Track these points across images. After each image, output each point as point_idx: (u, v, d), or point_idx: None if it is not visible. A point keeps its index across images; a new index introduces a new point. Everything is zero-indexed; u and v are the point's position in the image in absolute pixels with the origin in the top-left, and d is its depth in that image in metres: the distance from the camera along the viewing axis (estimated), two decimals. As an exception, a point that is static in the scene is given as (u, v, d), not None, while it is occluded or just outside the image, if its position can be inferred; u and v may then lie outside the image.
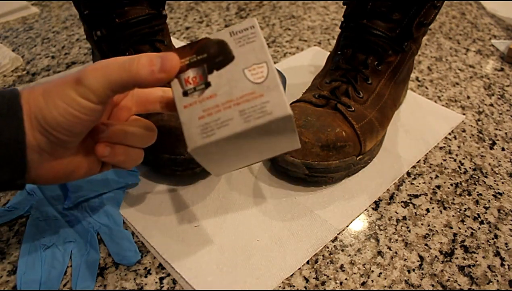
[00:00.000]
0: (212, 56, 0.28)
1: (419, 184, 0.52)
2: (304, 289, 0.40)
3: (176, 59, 0.29)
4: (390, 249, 0.44)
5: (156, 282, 0.40)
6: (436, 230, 0.46)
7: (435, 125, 0.60)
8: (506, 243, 0.45)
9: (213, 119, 0.27)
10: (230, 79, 0.28)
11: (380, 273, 0.41)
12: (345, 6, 0.55)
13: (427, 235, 0.45)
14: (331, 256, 0.43)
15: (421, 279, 0.41)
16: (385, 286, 0.40)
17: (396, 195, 0.50)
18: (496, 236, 0.46)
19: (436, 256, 0.43)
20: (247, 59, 0.28)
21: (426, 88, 0.70)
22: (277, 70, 0.59)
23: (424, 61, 0.77)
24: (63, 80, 0.31)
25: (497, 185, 0.52)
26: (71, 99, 0.30)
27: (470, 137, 0.60)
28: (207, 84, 0.28)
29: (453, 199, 0.50)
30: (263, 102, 0.27)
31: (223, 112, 0.27)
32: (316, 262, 0.42)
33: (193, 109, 0.27)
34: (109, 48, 0.52)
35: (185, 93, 0.28)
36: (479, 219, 0.47)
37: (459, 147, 0.58)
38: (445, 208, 0.49)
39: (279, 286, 0.40)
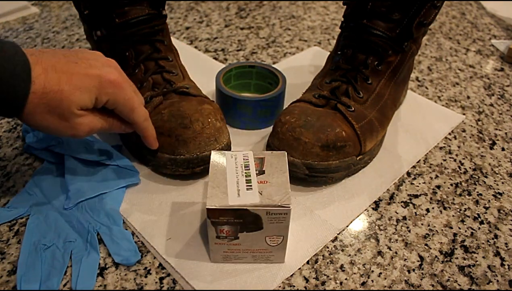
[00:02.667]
0: (247, 222, 0.37)
1: (419, 184, 0.52)
2: (304, 289, 0.40)
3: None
4: (390, 249, 0.44)
5: (156, 282, 0.40)
6: (436, 230, 0.46)
7: (435, 125, 0.60)
8: (506, 243, 0.45)
9: (233, 255, 0.40)
10: (253, 240, 0.39)
11: (380, 273, 0.41)
12: (345, 6, 0.55)
13: (427, 235, 0.45)
14: (331, 256, 0.43)
15: (421, 279, 0.41)
16: (385, 286, 0.40)
17: (396, 195, 0.50)
18: (496, 236, 0.46)
19: (436, 256, 0.43)
20: (271, 231, 0.38)
21: (426, 88, 0.70)
22: (277, 70, 0.59)
23: (424, 61, 0.77)
24: (71, 123, 0.39)
25: (497, 185, 0.52)
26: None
27: (470, 137, 0.60)
28: (236, 238, 0.38)
29: (453, 199, 0.50)
30: (270, 255, 0.40)
31: (241, 253, 0.40)
32: (316, 262, 0.42)
33: (221, 247, 0.39)
34: (109, 48, 0.52)
35: (218, 237, 0.38)
36: (479, 219, 0.47)
37: (459, 147, 0.58)
38: (445, 208, 0.49)
39: (279, 286, 0.40)
